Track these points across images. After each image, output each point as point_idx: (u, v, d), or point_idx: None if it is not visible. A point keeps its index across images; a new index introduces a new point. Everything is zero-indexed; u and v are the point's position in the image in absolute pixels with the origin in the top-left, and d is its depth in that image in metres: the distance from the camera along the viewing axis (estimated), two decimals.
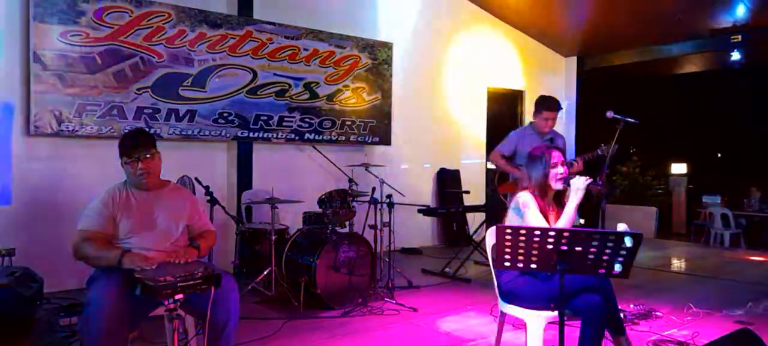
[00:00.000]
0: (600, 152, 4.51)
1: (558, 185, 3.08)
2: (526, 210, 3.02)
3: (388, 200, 4.86)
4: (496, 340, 3.18)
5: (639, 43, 8.40)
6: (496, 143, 5.16)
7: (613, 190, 9.66)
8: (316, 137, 6.42)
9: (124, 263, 2.65)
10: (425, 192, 7.67)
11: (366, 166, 5.38)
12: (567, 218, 3.00)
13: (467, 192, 8.03)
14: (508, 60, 8.70)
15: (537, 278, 2.96)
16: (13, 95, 4.76)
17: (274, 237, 4.58)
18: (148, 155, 2.83)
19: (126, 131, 2.95)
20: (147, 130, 3.00)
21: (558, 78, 9.36)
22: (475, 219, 7.78)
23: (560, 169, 3.09)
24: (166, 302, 2.35)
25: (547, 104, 4.74)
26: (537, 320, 2.89)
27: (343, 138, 6.69)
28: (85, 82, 4.95)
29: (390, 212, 4.93)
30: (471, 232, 7.54)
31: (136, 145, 2.83)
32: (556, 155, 3.11)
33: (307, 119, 6.35)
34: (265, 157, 6.20)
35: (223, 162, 5.98)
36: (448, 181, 7.89)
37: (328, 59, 6.49)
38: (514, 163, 4.90)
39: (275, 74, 6.08)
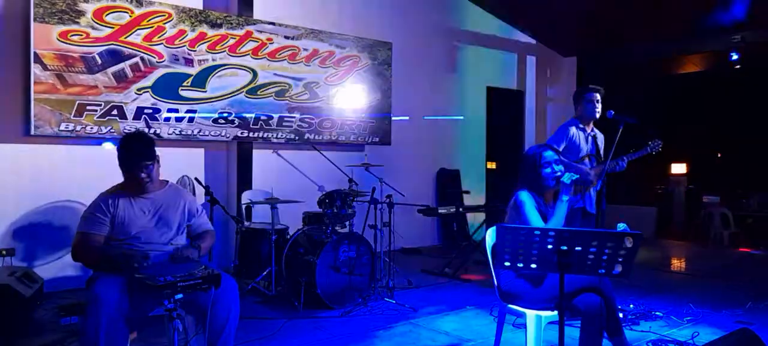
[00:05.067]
0: (650, 150, 4.38)
1: (552, 184, 3.09)
2: (523, 209, 3.03)
3: (388, 200, 4.86)
4: (496, 340, 3.18)
5: (639, 43, 8.39)
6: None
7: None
8: (316, 137, 6.42)
9: (122, 263, 2.66)
10: (425, 192, 7.67)
11: (366, 166, 5.38)
12: (557, 219, 3.00)
13: (467, 192, 8.03)
14: (508, 60, 8.70)
15: (536, 278, 2.96)
16: (13, 95, 4.76)
17: (274, 237, 4.58)
18: (148, 168, 2.84)
19: (126, 132, 2.95)
20: (146, 132, 3.00)
21: (558, 78, 9.36)
22: (475, 219, 7.80)
23: (554, 168, 3.10)
24: (166, 302, 2.36)
25: (592, 88, 4.50)
26: (537, 320, 2.89)
27: (343, 138, 6.69)
28: (85, 82, 4.95)
29: (390, 212, 4.93)
30: (471, 232, 7.55)
31: (137, 160, 2.82)
32: (548, 155, 3.12)
33: (307, 119, 6.36)
34: (265, 158, 6.20)
35: (223, 162, 5.98)
36: (448, 181, 7.89)
37: (328, 59, 6.49)
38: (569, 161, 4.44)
39: (275, 74, 6.08)
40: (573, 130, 4.40)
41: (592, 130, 4.47)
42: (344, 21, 6.78)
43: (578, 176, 3.08)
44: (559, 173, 3.09)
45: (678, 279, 6.13)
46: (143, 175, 2.82)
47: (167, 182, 3.10)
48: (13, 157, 4.79)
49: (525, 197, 3.07)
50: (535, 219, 2.99)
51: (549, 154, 3.13)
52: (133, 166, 2.81)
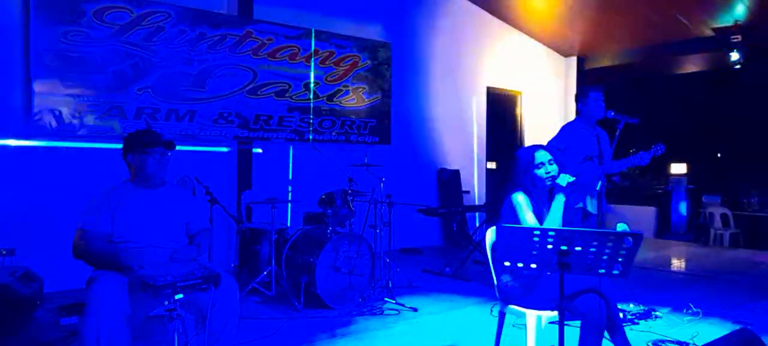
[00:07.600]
0: (654, 152, 4.38)
1: (547, 185, 3.03)
2: (519, 211, 2.98)
3: (388, 200, 4.86)
4: (496, 340, 3.18)
5: (639, 43, 8.40)
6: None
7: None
8: (316, 137, 6.42)
9: (123, 261, 2.66)
10: (425, 192, 7.67)
11: (366, 166, 5.38)
12: (553, 219, 2.97)
13: (467, 192, 8.03)
14: (508, 60, 8.70)
15: (528, 284, 2.95)
16: (13, 95, 4.76)
17: (274, 237, 4.58)
18: (164, 155, 2.89)
19: (127, 132, 2.98)
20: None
21: (558, 79, 9.36)
22: (475, 219, 7.80)
23: (547, 169, 3.04)
24: (166, 302, 2.35)
25: (597, 86, 4.50)
26: (537, 321, 2.89)
27: (343, 138, 6.69)
28: (86, 82, 4.95)
29: (390, 212, 4.93)
30: (471, 232, 7.55)
31: (158, 141, 2.91)
32: (541, 155, 3.06)
33: (306, 119, 6.36)
34: (265, 157, 6.21)
35: (223, 162, 5.98)
36: (448, 181, 7.89)
37: (328, 59, 6.49)
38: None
39: (275, 74, 6.08)
40: (576, 130, 4.37)
41: (596, 130, 4.45)
42: (344, 21, 6.78)
43: (575, 179, 3.03)
44: (553, 173, 3.02)
45: (678, 279, 6.12)
46: (156, 158, 2.87)
47: (167, 181, 3.10)
48: (14, 157, 4.79)
49: (520, 198, 3.01)
50: (531, 221, 2.94)
51: (541, 153, 3.06)
52: (153, 147, 2.87)
